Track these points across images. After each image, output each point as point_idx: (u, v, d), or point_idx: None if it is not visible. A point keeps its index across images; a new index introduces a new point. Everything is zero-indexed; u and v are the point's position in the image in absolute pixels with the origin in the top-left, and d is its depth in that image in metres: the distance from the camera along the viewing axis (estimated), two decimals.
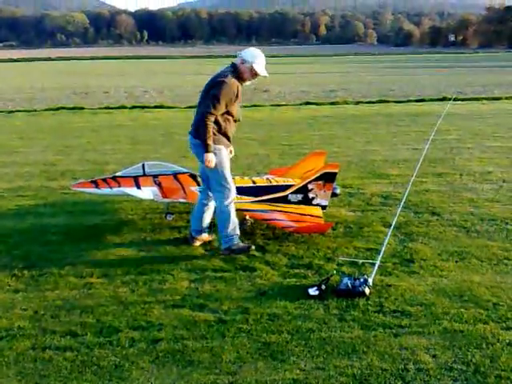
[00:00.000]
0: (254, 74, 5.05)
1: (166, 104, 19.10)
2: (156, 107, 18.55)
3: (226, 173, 5.15)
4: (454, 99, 17.69)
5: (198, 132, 5.00)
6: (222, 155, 5.08)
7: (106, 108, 18.49)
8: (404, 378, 3.23)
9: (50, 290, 4.47)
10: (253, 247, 5.28)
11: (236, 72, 5.01)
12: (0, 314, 4.07)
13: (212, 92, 4.92)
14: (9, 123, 15.40)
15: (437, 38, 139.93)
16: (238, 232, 5.26)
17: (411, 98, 19.76)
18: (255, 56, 5.02)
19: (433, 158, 9.46)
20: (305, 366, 3.37)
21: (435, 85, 25.32)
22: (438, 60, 58.42)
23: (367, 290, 4.26)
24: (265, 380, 3.24)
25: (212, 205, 5.42)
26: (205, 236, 5.53)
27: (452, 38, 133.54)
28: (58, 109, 18.44)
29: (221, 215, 5.22)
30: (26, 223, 6.23)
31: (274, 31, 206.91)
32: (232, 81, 4.93)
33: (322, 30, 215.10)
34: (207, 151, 4.96)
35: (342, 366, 3.35)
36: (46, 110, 18.34)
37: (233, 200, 5.23)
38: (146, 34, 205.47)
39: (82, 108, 18.48)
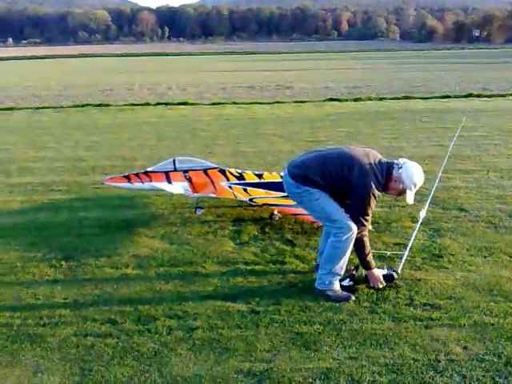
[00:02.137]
0: (400, 195, 4.34)
1: (190, 101, 19.28)
2: (180, 104, 18.72)
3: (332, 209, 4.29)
4: (480, 96, 17.51)
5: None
6: (317, 195, 4.29)
7: (130, 105, 18.73)
8: (436, 368, 3.30)
9: (87, 280, 4.64)
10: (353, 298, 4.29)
11: (383, 182, 4.19)
12: (42, 303, 4.24)
13: (359, 202, 4.15)
14: (37, 119, 15.74)
15: (461, 34, 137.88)
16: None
17: (436, 95, 19.60)
18: (415, 183, 4.19)
19: (459, 154, 9.43)
20: (338, 355, 3.46)
21: (460, 81, 25.05)
22: (463, 55, 57.66)
23: (395, 275, 4.35)
24: (299, 368, 3.34)
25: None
26: None
27: (476, 33, 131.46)
28: (84, 105, 18.75)
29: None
30: (60, 216, 6.43)
31: (295, 27, 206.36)
32: (376, 192, 4.16)
33: (344, 26, 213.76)
34: (369, 268, 4.32)
35: (374, 356, 3.44)
36: (72, 106, 18.66)
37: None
38: (167, 30, 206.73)
39: (108, 105, 18.75)
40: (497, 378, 3.20)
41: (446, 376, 3.23)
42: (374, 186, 4.12)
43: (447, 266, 4.83)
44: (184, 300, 4.25)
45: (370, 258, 4.32)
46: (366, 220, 4.20)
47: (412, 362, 3.37)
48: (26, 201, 7.13)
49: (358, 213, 4.18)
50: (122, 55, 77.21)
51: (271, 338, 3.68)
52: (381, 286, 4.33)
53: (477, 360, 3.37)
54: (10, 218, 6.41)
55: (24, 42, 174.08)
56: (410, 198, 4.23)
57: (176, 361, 3.44)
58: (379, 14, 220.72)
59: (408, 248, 4.78)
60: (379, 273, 4.36)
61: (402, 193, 4.24)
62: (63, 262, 5.02)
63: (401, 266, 4.54)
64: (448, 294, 4.25)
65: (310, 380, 3.22)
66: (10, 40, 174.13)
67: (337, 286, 4.32)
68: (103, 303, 4.21)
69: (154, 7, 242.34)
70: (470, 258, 4.98)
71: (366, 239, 4.26)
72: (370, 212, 4.18)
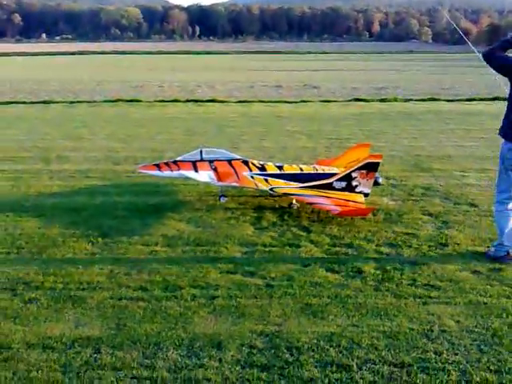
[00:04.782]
0: None
1: (219, 98, 19.78)
2: (208, 101, 19.26)
3: None
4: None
5: None
6: None
7: (161, 101, 19.33)
8: (429, 336, 3.72)
9: (121, 254, 5.17)
10: None
11: None
12: (81, 271, 4.78)
13: None
14: (72, 113, 16.47)
15: (495, 36, 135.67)
16: None
17: (462, 97, 19.71)
18: None
19: (479, 155, 9.71)
20: (341, 323, 3.90)
21: (488, 84, 24.96)
22: None
23: None
24: (306, 331, 3.79)
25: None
26: None
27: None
28: (116, 101, 19.42)
29: None
30: (96, 200, 7.00)
31: (326, 27, 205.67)
32: None
33: (376, 27, 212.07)
34: None
35: (374, 325, 3.87)
36: (105, 101, 19.36)
37: None
38: (197, 29, 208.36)
39: (139, 101, 19.39)
40: (482, 346, 3.59)
41: (437, 343, 3.64)
42: None
43: (451, 253, 5.20)
44: (207, 274, 4.73)
45: None
46: None
47: (408, 330, 3.78)
48: (64, 185, 7.72)
49: None
50: (152, 53, 78.43)
51: (283, 307, 4.13)
52: None
53: (467, 331, 3.77)
54: (51, 200, 7.00)
55: (57, 37, 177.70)
56: None
57: (198, 321, 3.92)
58: (412, 15, 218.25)
59: None
60: None
61: None
62: (100, 239, 5.56)
63: None
64: (448, 277, 4.64)
65: (315, 341, 3.66)
66: (44, 35, 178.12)
67: None
68: (135, 273, 4.72)
69: (186, 5, 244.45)
70: (474, 248, 5.34)
71: None
72: None
